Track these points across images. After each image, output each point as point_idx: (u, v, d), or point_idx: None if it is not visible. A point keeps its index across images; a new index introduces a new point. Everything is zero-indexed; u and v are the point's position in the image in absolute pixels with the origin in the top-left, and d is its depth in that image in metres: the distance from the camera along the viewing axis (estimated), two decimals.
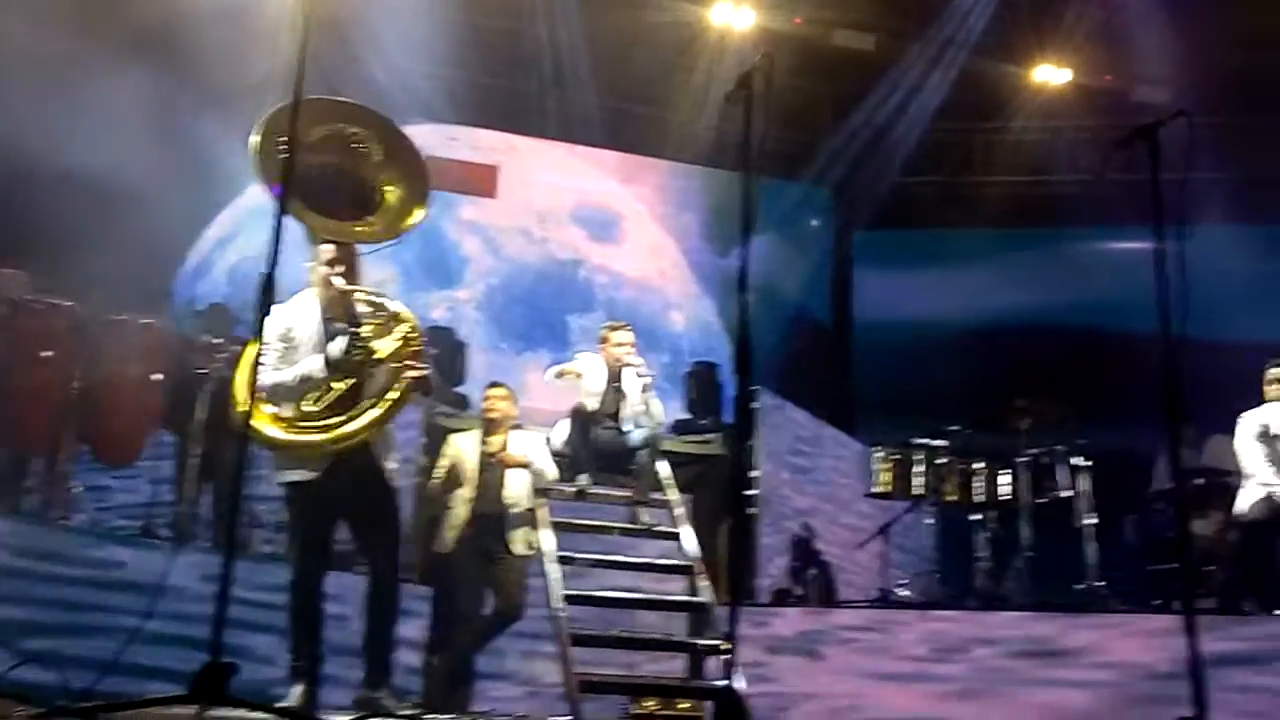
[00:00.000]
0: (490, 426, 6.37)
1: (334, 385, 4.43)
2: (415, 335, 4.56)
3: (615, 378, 6.72)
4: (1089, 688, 6.18)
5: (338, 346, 4.43)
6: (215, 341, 6.27)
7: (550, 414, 6.99)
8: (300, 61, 3.52)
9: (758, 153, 3.67)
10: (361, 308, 4.60)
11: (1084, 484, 7.30)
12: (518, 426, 6.47)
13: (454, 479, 6.26)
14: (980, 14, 9.82)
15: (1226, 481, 6.69)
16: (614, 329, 6.83)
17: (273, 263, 3.24)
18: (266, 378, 4.32)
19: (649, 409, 6.26)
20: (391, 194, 4.72)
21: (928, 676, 6.51)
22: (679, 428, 8.86)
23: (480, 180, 10.69)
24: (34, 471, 5.88)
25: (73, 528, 5.50)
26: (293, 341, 4.49)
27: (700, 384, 9.45)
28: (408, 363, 4.47)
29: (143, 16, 7.88)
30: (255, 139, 4.36)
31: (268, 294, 3.23)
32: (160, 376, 6.07)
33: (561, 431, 6.59)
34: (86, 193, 7.56)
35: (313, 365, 4.43)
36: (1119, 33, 9.49)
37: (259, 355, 3.41)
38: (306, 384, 4.42)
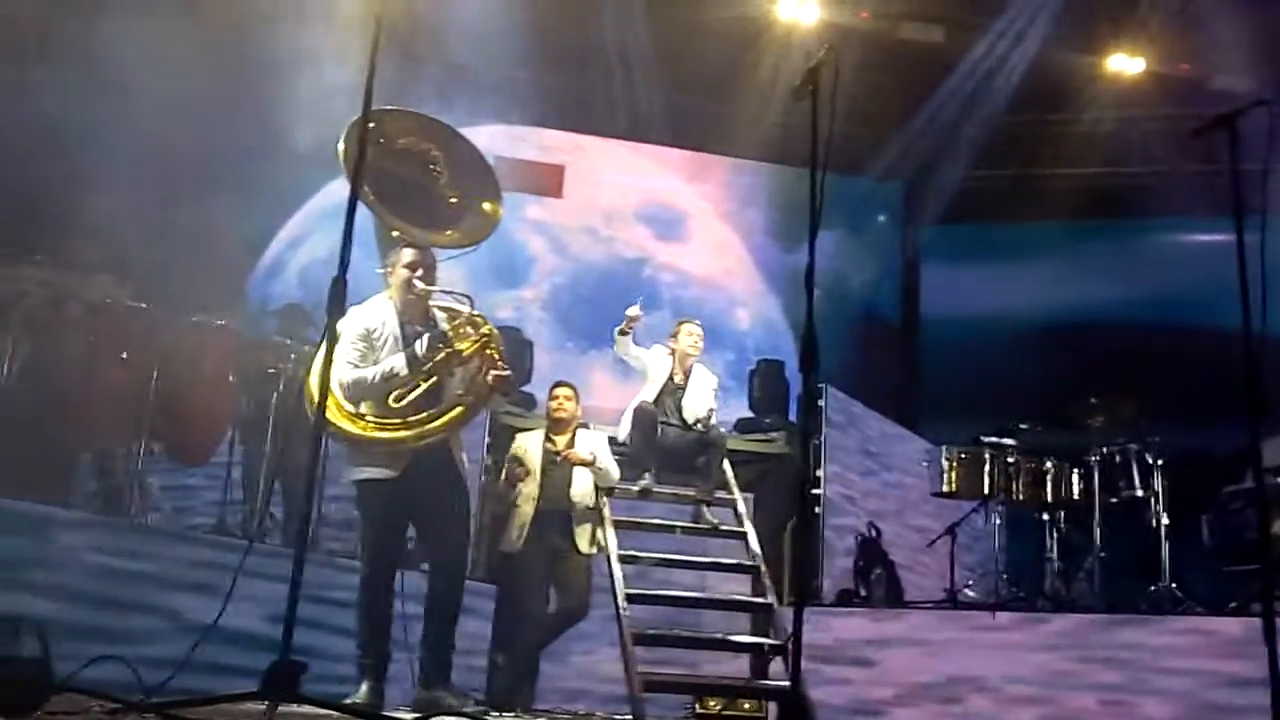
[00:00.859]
0: (556, 425, 6.41)
1: (418, 383, 4.51)
2: (493, 335, 4.63)
3: (682, 373, 6.72)
4: (1163, 694, 6.06)
5: (422, 344, 4.54)
6: (288, 342, 6.38)
7: (614, 413, 7.00)
8: (371, 64, 3.56)
9: (825, 148, 3.64)
10: (437, 311, 4.71)
11: (1158, 483, 7.16)
12: (583, 425, 6.49)
13: (519, 477, 6.30)
14: (1051, 3, 9.63)
15: None
16: (684, 324, 6.85)
17: (344, 266, 3.27)
18: (347, 375, 4.44)
19: (606, 470, 6.25)
20: (470, 206, 4.84)
21: (995, 679, 6.43)
22: (743, 426, 8.84)
23: (547, 180, 10.75)
24: (110, 470, 6.00)
25: (147, 526, 5.61)
26: (373, 341, 4.58)
27: (765, 382, 9.41)
28: (490, 362, 4.56)
29: (219, 19, 8.02)
30: (342, 145, 4.50)
31: (339, 296, 3.27)
32: (234, 377, 6.17)
33: (624, 429, 6.60)
34: (159, 194, 7.72)
35: (396, 363, 4.53)
36: (1195, 20, 9.25)
37: (333, 354, 3.45)
38: (390, 382, 4.52)
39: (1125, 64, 9.96)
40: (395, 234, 4.73)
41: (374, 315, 4.64)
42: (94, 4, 7.35)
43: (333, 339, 3.36)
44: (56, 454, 5.85)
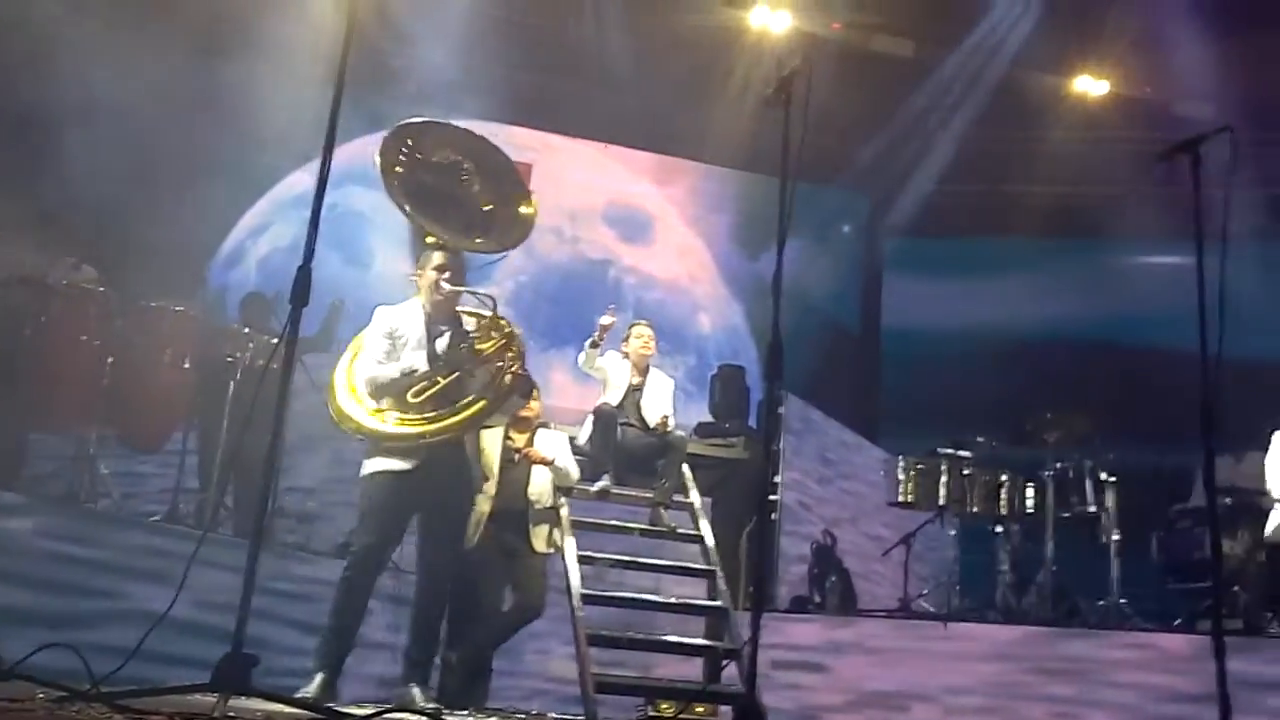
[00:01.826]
0: (518, 424, 6.38)
1: (438, 379, 4.61)
2: (515, 338, 4.77)
3: (640, 375, 6.73)
4: (1110, 707, 6.14)
5: (443, 342, 4.67)
6: (246, 331, 6.32)
7: (574, 413, 6.99)
8: (344, 56, 3.53)
9: (796, 156, 3.65)
10: (465, 315, 4.82)
11: (1110, 499, 7.26)
12: (544, 425, 6.47)
13: (478, 475, 6.26)
14: (1020, 23, 9.74)
15: (1258, 501, 6.62)
16: (634, 326, 6.86)
17: (309, 255, 3.25)
18: (370, 371, 4.60)
19: (566, 470, 6.25)
20: (502, 213, 4.89)
21: (946, 690, 6.48)
22: (702, 430, 8.84)
23: None
24: (62, 455, 5.92)
25: (98, 512, 5.54)
26: (396, 340, 4.69)
27: (726, 387, 9.41)
28: (510, 363, 4.67)
29: (186, 7, 7.94)
30: (378, 158, 4.66)
31: (303, 286, 3.24)
32: (190, 364, 6.11)
33: (584, 431, 6.59)
34: (124, 179, 7.62)
35: (416, 360, 4.64)
36: (1159, 45, 9.39)
37: (294, 346, 3.42)
38: (409, 378, 4.62)
39: (1091, 85, 10.10)
40: (430, 240, 4.86)
41: (400, 315, 4.77)
42: None
43: (295, 329, 3.33)
44: (7, 436, 5.77)
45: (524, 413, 6.35)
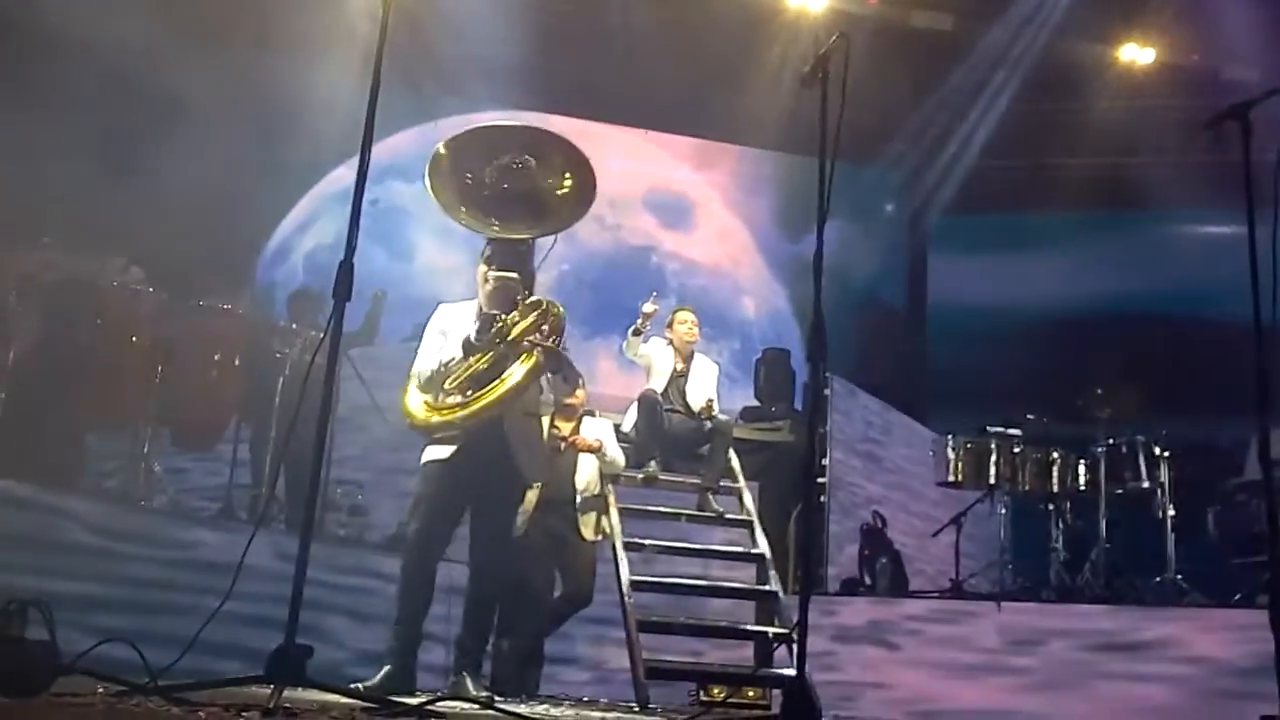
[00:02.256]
0: (564, 412, 6.40)
1: (471, 364, 4.59)
2: (549, 312, 4.66)
3: (684, 361, 6.73)
4: (1168, 683, 6.07)
5: (474, 327, 4.62)
6: (294, 327, 6.38)
7: (619, 400, 7.00)
8: (379, 50, 3.54)
9: (835, 135, 3.62)
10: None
11: (1164, 475, 7.16)
12: (589, 413, 6.49)
13: (527, 461, 6.28)
14: None
15: None
16: (677, 311, 6.85)
17: (350, 250, 3.27)
18: (417, 366, 4.63)
19: (613, 458, 6.23)
20: (567, 188, 4.85)
21: (1000, 669, 6.44)
22: (748, 414, 8.83)
23: None
24: (117, 455, 6.02)
25: (153, 509, 5.63)
26: (449, 335, 4.69)
27: (771, 370, 9.39)
28: (541, 336, 4.58)
29: (227, 4, 8.01)
30: (429, 180, 4.60)
31: (346, 281, 3.26)
32: (240, 362, 6.18)
33: (630, 418, 6.60)
34: (171, 178, 7.72)
35: (453, 349, 4.62)
36: (1206, 10, 9.21)
37: (339, 340, 3.44)
38: (445, 367, 4.61)
39: (1136, 54, 9.92)
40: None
41: (456, 311, 4.77)
42: None
43: (339, 323, 3.35)
44: (65, 436, 5.88)
45: (569, 401, 6.37)
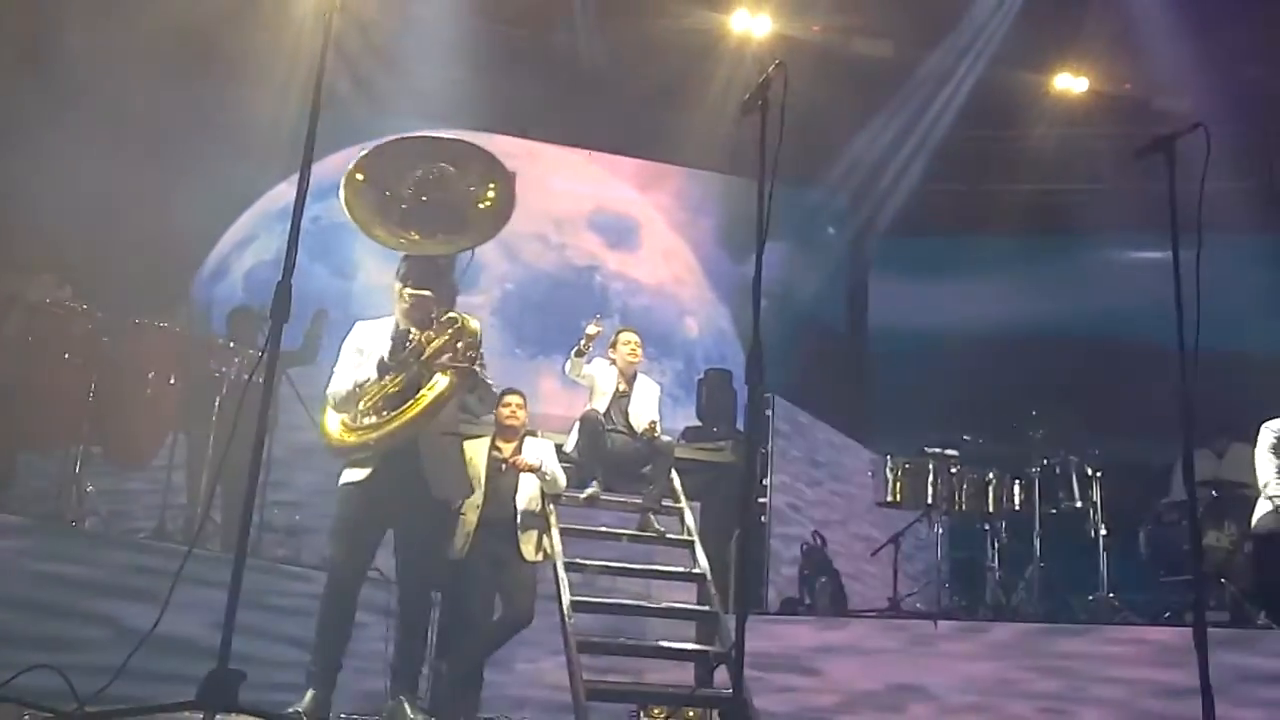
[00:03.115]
0: (505, 433, 6.38)
1: (386, 385, 4.55)
2: (465, 329, 4.62)
3: (628, 382, 6.75)
4: (1101, 703, 6.15)
5: (386, 347, 4.58)
6: (231, 345, 6.31)
7: (562, 420, 7.00)
8: (321, 66, 3.54)
9: (774, 160, 3.67)
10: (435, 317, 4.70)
11: (1096, 495, 7.29)
12: (530, 433, 6.48)
13: (451, 480, 6.25)
14: (999, 22, 9.78)
15: (1244, 493, 6.65)
16: (623, 332, 6.88)
17: (289, 270, 3.25)
18: (332, 386, 4.60)
19: (554, 478, 6.25)
20: (487, 200, 4.81)
21: (938, 688, 6.49)
22: (690, 435, 8.86)
23: None
24: (48, 474, 5.90)
25: (85, 531, 5.52)
26: (366, 354, 4.66)
27: (713, 391, 9.44)
28: (459, 354, 4.55)
29: (164, 18, 7.92)
30: (343, 193, 4.52)
31: (284, 300, 3.25)
32: (176, 380, 6.09)
33: (572, 438, 6.60)
34: (104, 193, 7.61)
35: (367, 369, 4.58)
36: (1138, 42, 9.44)
37: (275, 360, 3.42)
38: (361, 388, 4.58)
39: (1070, 83, 10.15)
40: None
41: (373, 329, 4.73)
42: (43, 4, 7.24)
43: (275, 343, 3.33)
44: None
45: (510, 421, 6.36)
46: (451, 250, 4.86)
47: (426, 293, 4.66)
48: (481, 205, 4.84)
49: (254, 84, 8.13)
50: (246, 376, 5.57)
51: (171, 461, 6.32)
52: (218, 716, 2.83)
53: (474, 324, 4.73)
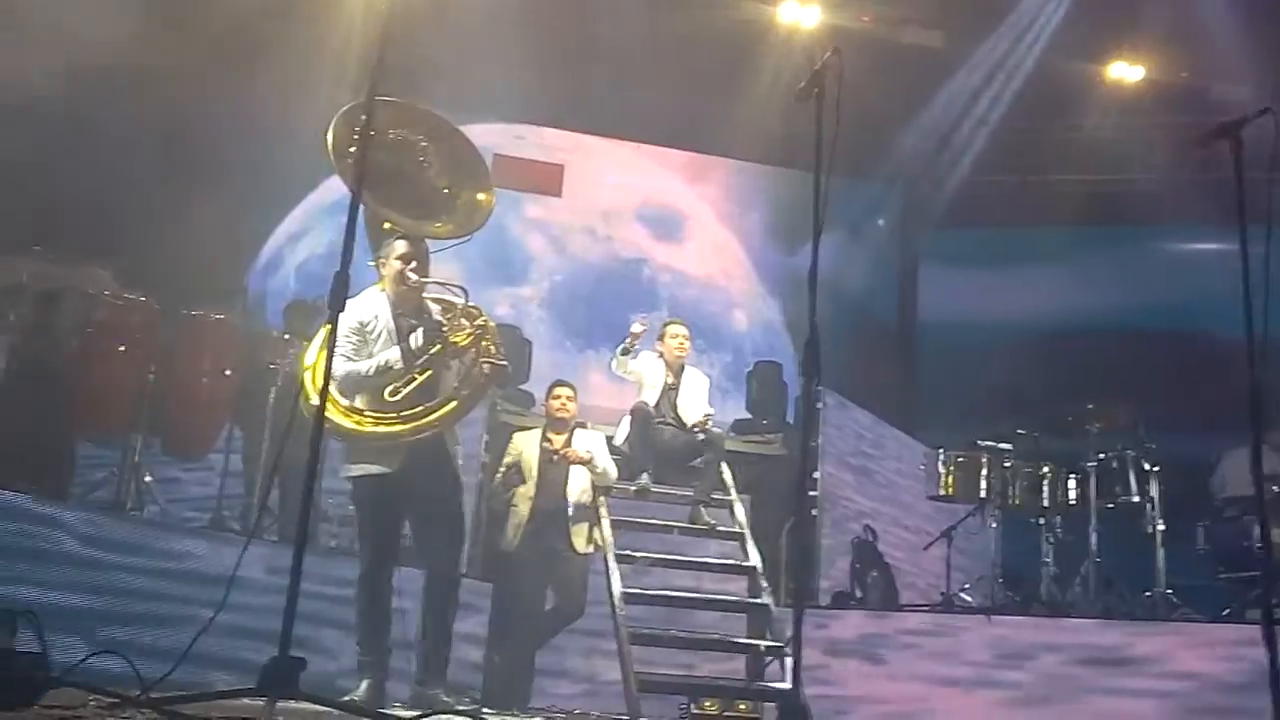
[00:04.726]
0: (555, 425, 6.41)
1: (413, 376, 4.49)
2: (489, 327, 4.62)
3: (675, 375, 6.74)
4: (1156, 698, 6.06)
5: (417, 338, 4.49)
6: (286, 337, 6.37)
7: (610, 412, 7.00)
8: (378, 57, 3.55)
9: (830, 148, 3.64)
10: (431, 304, 4.68)
11: (1154, 489, 7.17)
12: (581, 425, 6.50)
13: (517, 476, 6.30)
14: (1053, 10, 9.64)
15: None
16: (671, 324, 6.86)
17: (346, 260, 3.26)
18: (340, 368, 4.36)
19: (604, 470, 6.24)
20: (462, 195, 4.80)
21: (991, 683, 6.43)
22: (740, 427, 8.84)
23: (546, 179, 10.75)
24: (108, 464, 5.99)
25: (144, 519, 5.60)
26: (367, 334, 4.55)
27: (762, 383, 9.41)
28: (485, 354, 4.54)
29: (220, 15, 8.01)
30: (330, 136, 4.45)
31: (341, 291, 3.26)
32: (231, 371, 6.16)
33: (622, 431, 6.60)
34: (161, 188, 7.71)
35: (391, 356, 4.51)
36: (1195, 29, 9.27)
37: (334, 348, 3.44)
38: (384, 375, 4.50)
39: (1126, 71, 9.98)
40: (387, 226, 4.70)
41: (367, 308, 4.61)
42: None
43: (334, 333, 3.36)
44: (55, 446, 5.85)
45: (560, 413, 6.38)
46: (446, 236, 4.81)
47: (432, 281, 4.64)
48: (463, 196, 4.81)
49: (304, 77, 8.19)
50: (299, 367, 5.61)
51: (228, 452, 6.39)
52: (279, 703, 2.85)
53: (489, 319, 4.72)
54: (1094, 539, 7.18)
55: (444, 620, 4.74)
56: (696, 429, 6.54)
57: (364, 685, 4.47)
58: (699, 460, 6.53)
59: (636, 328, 6.52)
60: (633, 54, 9.85)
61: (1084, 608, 6.97)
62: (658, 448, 6.55)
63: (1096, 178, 10.48)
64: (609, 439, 6.51)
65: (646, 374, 6.70)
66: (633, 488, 6.46)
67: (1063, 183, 10.46)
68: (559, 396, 6.45)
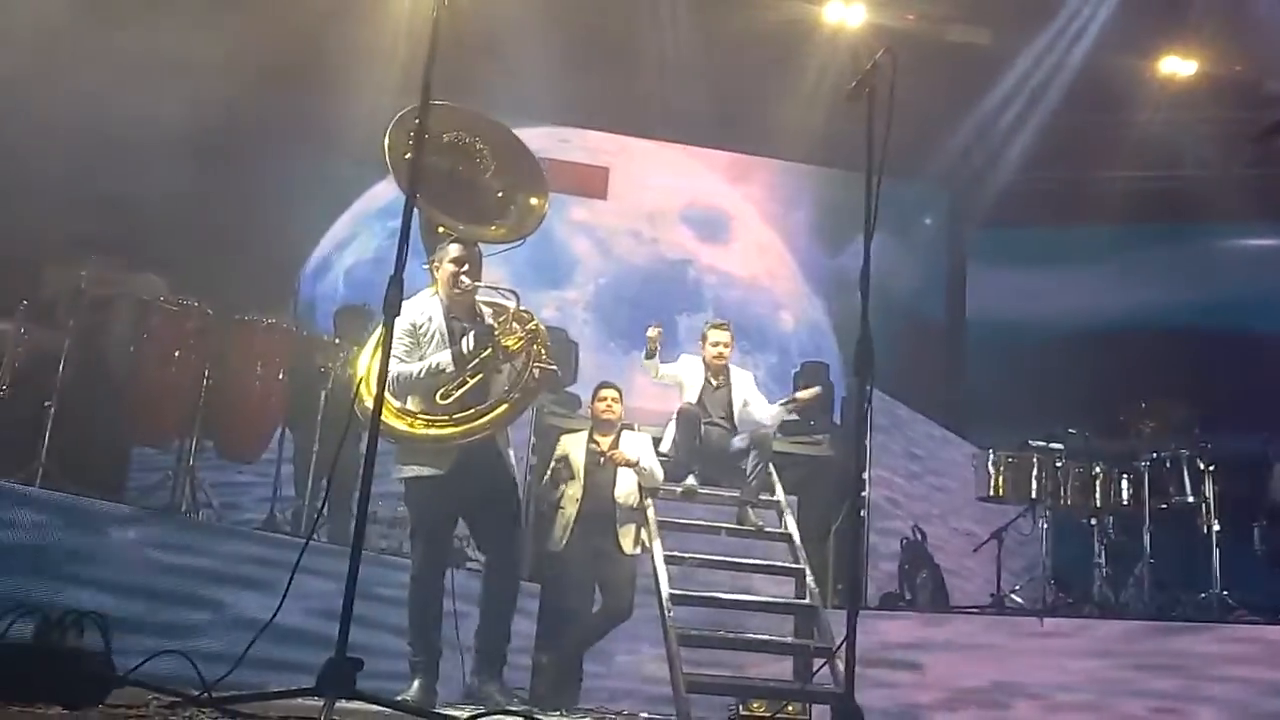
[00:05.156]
0: (602, 427, 6.43)
1: (464, 379, 4.52)
2: (540, 331, 4.65)
3: (716, 376, 6.75)
4: (1216, 703, 5.98)
5: (469, 341, 4.53)
6: (338, 341, 6.43)
7: (655, 414, 7.01)
8: (429, 61, 3.58)
9: (882, 148, 3.62)
10: (484, 307, 4.72)
11: (1209, 489, 7.07)
12: (627, 427, 6.51)
13: (564, 478, 6.33)
14: (1101, 4, 9.52)
15: None
16: (712, 328, 6.87)
17: (401, 264, 3.29)
18: (392, 370, 4.40)
19: (651, 471, 6.24)
20: (516, 200, 4.83)
21: (1044, 686, 6.37)
22: (787, 428, 8.80)
23: (591, 182, 10.78)
24: (163, 467, 6.07)
25: (200, 522, 5.67)
26: (419, 336, 4.60)
27: (809, 384, 9.34)
28: (536, 358, 4.57)
29: (269, 16, 8.10)
30: (387, 140, 4.49)
31: (396, 295, 3.28)
32: (284, 375, 6.23)
33: (669, 433, 6.61)
34: (214, 194, 7.80)
35: (443, 359, 4.54)
36: (1248, 22, 9.12)
37: (389, 352, 3.47)
38: (436, 378, 4.53)
39: (1177, 66, 9.82)
40: (441, 229, 4.74)
41: (420, 311, 4.66)
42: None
43: (389, 337, 3.38)
44: (112, 450, 5.94)
45: (606, 415, 6.40)
46: (501, 240, 4.84)
47: (485, 285, 4.69)
48: (519, 200, 4.83)
49: (353, 82, 8.26)
50: (353, 372, 5.66)
51: (281, 455, 6.47)
52: (337, 703, 2.88)
53: (539, 323, 4.75)
54: (1147, 540, 7.10)
55: (500, 620, 4.78)
56: (795, 406, 6.72)
57: (415, 685, 4.52)
58: (745, 461, 6.53)
59: (652, 332, 6.56)
60: (676, 55, 9.85)
61: (1138, 609, 6.88)
62: (704, 449, 6.56)
63: (1147, 174, 10.33)
64: (656, 441, 6.53)
65: (686, 377, 6.73)
66: (679, 489, 6.46)
67: (1113, 180, 10.32)
68: (604, 398, 6.48)
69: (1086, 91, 10.02)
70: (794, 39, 9.73)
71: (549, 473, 6.50)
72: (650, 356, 6.58)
